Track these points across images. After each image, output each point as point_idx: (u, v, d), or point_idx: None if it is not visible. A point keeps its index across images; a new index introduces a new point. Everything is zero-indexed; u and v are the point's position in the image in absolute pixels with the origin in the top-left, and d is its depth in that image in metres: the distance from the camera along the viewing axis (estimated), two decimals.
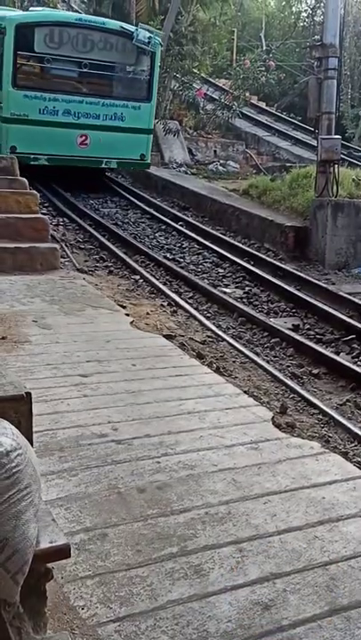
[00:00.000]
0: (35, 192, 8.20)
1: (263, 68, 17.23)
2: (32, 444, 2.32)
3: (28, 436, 2.16)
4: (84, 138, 10.96)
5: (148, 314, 6.15)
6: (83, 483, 2.76)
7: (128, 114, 11.23)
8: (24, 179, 8.79)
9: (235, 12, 22.19)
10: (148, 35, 10.93)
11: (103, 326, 5.22)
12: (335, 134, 10.32)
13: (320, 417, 4.53)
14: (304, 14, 29.21)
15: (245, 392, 4.41)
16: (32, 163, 10.37)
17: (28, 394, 2.06)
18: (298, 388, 4.89)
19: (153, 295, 7.07)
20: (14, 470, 1.55)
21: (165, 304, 6.73)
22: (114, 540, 2.39)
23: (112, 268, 8.09)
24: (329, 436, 4.25)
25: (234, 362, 5.36)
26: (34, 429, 2.91)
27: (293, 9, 29.40)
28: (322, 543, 2.45)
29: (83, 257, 8.55)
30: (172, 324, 5.99)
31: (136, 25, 11.91)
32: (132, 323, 5.54)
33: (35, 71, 11.05)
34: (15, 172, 9.08)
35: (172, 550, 2.36)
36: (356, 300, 7.36)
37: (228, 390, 4.03)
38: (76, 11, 27.07)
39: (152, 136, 12.07)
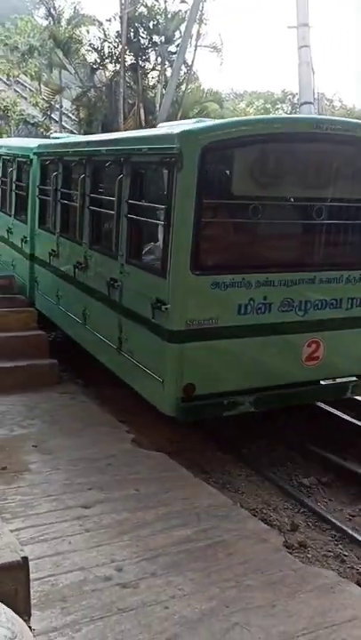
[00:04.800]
0: (32, 309, 8.31)
1: None
2: (30, 608, 2.21)
3: (26, 604, 2.07)
4: (314, 347, 5.53)
5: (150, 427, 6.06)
6: None
7: None
8: (22, 296, 9.02)
9: None
10: None
11: (104, 447, 5.12)
12: None
13: (333, 533, 4.35)
14: None
15: (254, 511, 4.28)
16: (227, 413, 5.20)
17: (25, 559, 1.98)
18: (308, 502, 4.73)
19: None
20: None
21: None
22: None
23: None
24: (344, 555, 4.06)
25: (239, 475, 5.22)
26: (34, 576, 2.80)
27: None
28: None
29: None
30: (177, 437, 5.88)
31: None
32: (133, 440, 5.44)
33: (230, 236, 5.43)
34: (14, 291, 9.34)
35: None
36: None
37: (237, 513, 3.89)
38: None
39: None
